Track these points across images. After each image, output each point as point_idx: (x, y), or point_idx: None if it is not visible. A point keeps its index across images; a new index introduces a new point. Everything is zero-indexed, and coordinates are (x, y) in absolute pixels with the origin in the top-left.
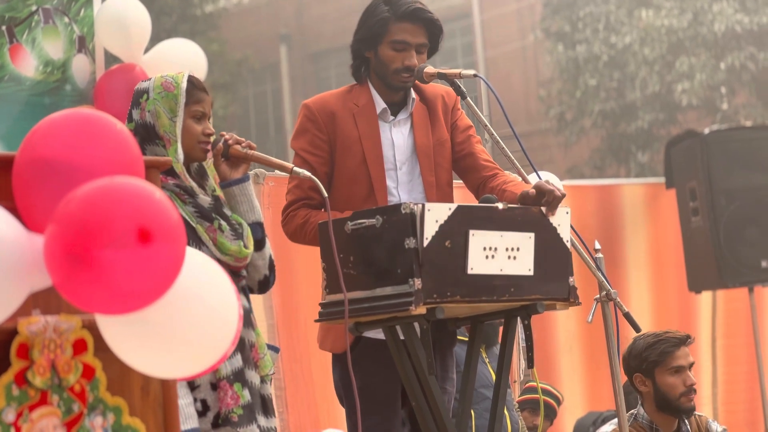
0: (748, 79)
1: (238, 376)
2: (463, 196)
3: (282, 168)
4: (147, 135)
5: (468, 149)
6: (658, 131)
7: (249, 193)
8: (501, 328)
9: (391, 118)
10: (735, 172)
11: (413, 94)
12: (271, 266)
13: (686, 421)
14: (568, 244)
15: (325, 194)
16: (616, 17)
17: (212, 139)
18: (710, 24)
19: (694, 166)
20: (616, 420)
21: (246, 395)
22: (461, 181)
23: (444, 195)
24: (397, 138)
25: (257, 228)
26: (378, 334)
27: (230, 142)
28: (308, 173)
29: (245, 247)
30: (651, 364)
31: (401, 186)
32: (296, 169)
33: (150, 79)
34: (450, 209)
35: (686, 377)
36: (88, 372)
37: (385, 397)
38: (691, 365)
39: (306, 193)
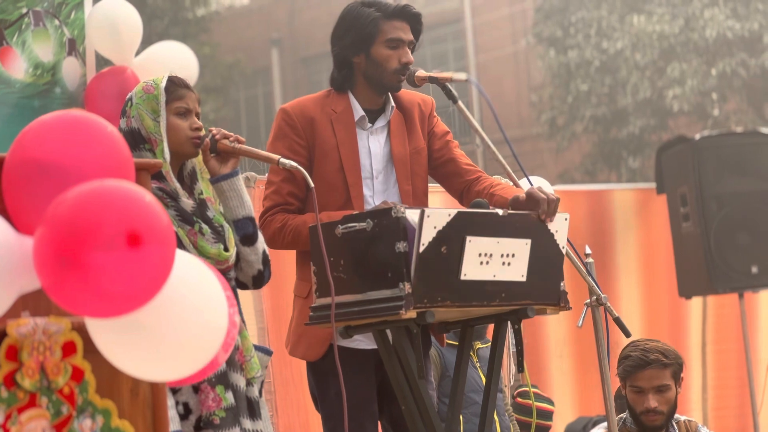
0: (739, 85)
1: (221, 379)
2: (441, 201)
3: (269, 160)
4: (133, 141)
5: (448, 155)
6: (649, 137)
7: (239, 188)
8: (490, 325)
9: (369, 125)
10: (726, 178)
11: (391, 102)
12: (266, 261)
13: (674, 425)
14: (564, 250)
15: (312, 184)
16: (607, 23)
17: (202, 133)
18: (701, 30)
19: (685, 172)
20: (606, 423)
21: (229, 398)
22: (438, 186)
23: (420, 203)
24: (373, 146)
25: (248, 223)
26: (351, 342)
27: (218, 137)
28: (295, 164)
29: (225, 250)
30: (621, 377)
31: (377, 195)
32: (283, 160)
33: (135, 87)
34: (449, 215)
35: (645, 399)
36: (77, 374)
37: (360, 403)
38: (657, 388)
39: (285, 198)
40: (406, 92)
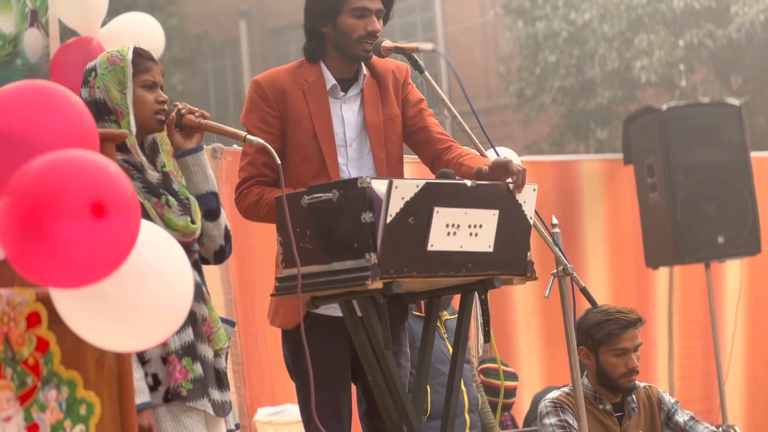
0: (706, 56)
1: (188, 351)
2: (416, 171)
3: (235, 136)
4: (98, 112)
5: (420, 123)
6: (616, 108)
7: (203, 163)
8: (457, 296)
9: (342, 94)
10: (692, 149)
11: (364, 70)
12: (227, 236)
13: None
14: (531, 221)
15: (278, 161)
16: None
17: (166, 106)
18: (669, 1)
19: (652, 143)
20: (563, 387)
21: (197, 369)
22: (415, 156)
23: (394, 171)
24: (347, 114)
25: (211, 198)
26: (326, 310)
27: (183, 111)
28: (261, 140)
29: (192, 222)
30: (596, 342)
31: (351, 162)
32: (249, 136)
33: (97, 58)
34: (417, 186)
35: (628, 360)
36: (41, 345)
37: (334, 372)
38: (636, 347)
39: (259, 170)
40: (380, 59)
